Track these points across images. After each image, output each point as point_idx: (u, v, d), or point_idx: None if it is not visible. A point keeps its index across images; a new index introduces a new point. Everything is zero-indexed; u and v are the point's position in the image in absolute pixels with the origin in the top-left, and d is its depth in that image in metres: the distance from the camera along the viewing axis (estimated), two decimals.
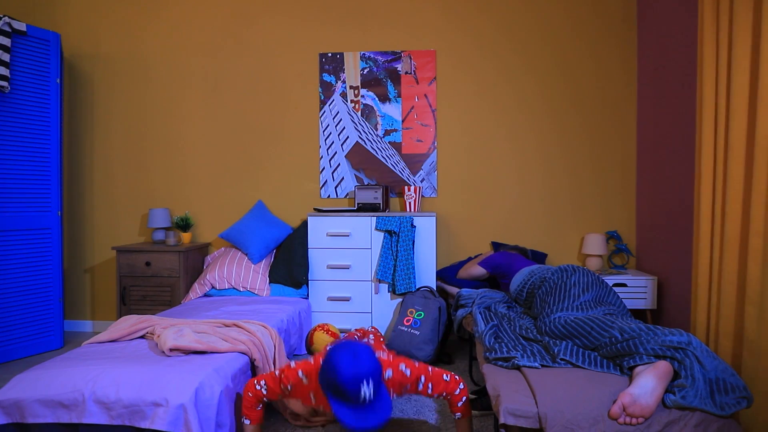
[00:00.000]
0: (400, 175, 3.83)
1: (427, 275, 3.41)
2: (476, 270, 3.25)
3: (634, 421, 1.57)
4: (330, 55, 3.86)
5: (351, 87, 3.85)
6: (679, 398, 1.62)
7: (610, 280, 3.29)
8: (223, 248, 3.82)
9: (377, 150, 3.84)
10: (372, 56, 3.83)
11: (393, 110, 3.83)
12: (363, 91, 3.84)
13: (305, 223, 3.65)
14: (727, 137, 2.17)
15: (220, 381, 1.98)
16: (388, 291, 3.42)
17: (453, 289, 3.41)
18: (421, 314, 3.16)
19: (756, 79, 2.04)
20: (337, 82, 3.86)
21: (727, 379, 1.67)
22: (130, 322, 2.47)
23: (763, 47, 1.95)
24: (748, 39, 2.07)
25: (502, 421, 1.65)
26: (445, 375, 1.89)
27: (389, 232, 3.39)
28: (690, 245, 2.94)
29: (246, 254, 3.63)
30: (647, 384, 1.62)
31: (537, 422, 1.63)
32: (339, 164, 3.87)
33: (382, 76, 3.83)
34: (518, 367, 1.97)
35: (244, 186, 3.95)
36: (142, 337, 2.42)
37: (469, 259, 3.59)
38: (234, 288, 3.49)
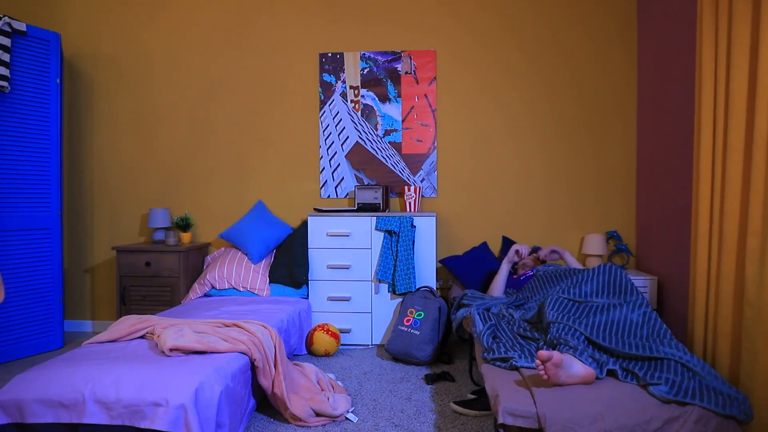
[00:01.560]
0: (400, 175, 3.83)
1: (427, 275, 3.41)
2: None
3: (542, 374, 1.74)
4: (330, 55, 3.86)
5: (351, 87, 3.85)
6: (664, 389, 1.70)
7: None
8: (223, 248, 3.82)
9: (377, 150, 3.84)
10: (372, 56, 3.83)
11: (393, 110, 3.83)
12: (363, 91, 3.84)
13: (305, 223, 3.65)
14: (726, 137, 2.17)
15: (220, 381, 1.98)
16: (388, 291, 3.42)
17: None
18: (421, 314, 3.17)
19: (755, 79, 2.04)
20: (337, 82, 3.86)
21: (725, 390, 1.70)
22: (130, 322, 2.47)
23: (762, 48, 1.95)
24: (746, 39, 2.07)
25: (500, 421, 1.65)
26: None
27: (389, 232, 3.39)
28: (690, 245, 2.94)
29: (246, 254, 3.63)
30: (577, 369, 1.79)
31: (536, 422, 1.63)
32: (339, 164, 3.87)
33: (382, 76, 3.83)
34: (517, 368, 1.97)
35: (244, 186, 3.95)
36: (142, 337, 2.42)
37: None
38: (234, 288, 3.50)
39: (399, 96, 3.82)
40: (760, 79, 1.96)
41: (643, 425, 1.59)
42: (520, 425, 1.65)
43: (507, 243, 3.71)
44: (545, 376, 1.74)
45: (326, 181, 3.89)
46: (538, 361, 1.74)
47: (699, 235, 2.32)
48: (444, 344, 3.24)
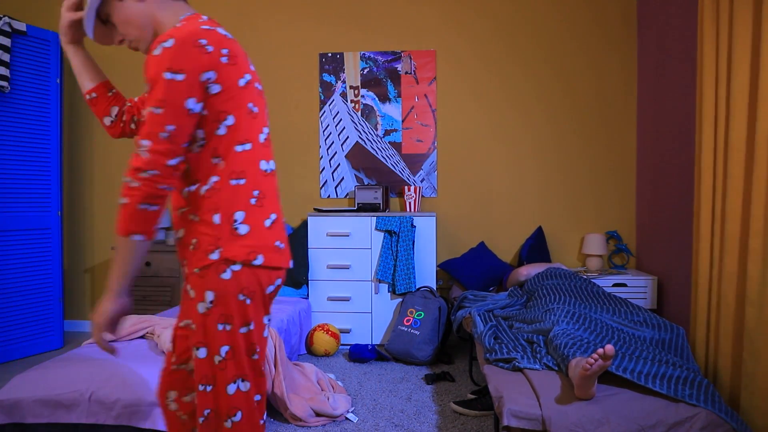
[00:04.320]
0: (400, 175, 3.83)
1: (427, 275, 3.41)
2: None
3: (592, 364, 1.57)
4: (330, 55, 3.86)
5: (351, 87, 3.85)
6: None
7: (610, 280, 3.29)
8: None
9: (377, 150, 3.84)
10: (372, 56, 3.83)
11: (393, 110, 3.83)
12: (363, 91, 3.84)
13: (305, 223, 3.65)
14: (727, 137, 2.17)
15: None
16: (388, 291, 3.42)
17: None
18: (421, 314, 3.16)
19: (756, 78, 2.03)
20: (337, 82, 3.86)
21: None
22: (130, 322, 2.47)
23: (764, 47, 1.95)
24: (748, 38, 2.07)
25: (505, 423, 1.64)
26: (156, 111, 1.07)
27: (389, 232, 3.39)
28: (690, 245, 2.93)
29: None
30: (595, 386, 1.69)
31: (540, 424, 1.62)
32: (339, 164, 3.87)
33: (382, 76, 3.83)
34: (520, 369, 1.97)
35: None
36: (142, 337, 2.41)
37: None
38: None
39: (399, 96, 3.82)
40: (762, 78, 1.96)
41: (649, 430, 1.58)
42: (524, 427, 1.64)
43: (541, 232, 3.67)
44: (590, 368, 1.56)
45: (326, 181, 3.89)
46: (601, 351, 1.56)
47: (701, 235, 2.32)
48: (444, 344, 3.24)
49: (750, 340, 1.97)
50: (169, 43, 1.08)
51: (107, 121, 1.38)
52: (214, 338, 1.14)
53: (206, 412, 1.15)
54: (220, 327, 1.14)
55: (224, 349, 1.14)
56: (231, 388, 1.15)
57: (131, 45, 1.25)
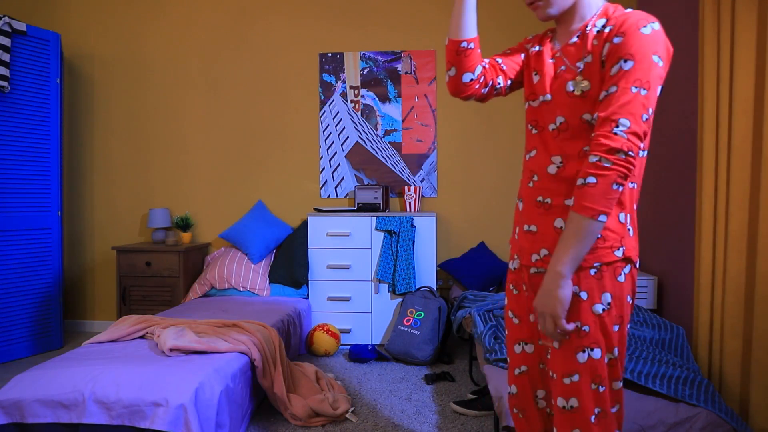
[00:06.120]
0: (400, 175, 3.83)
1: (427, 275, 3.41)
2: None
3: None
4: (330, 55, 3.86)
5: (351, 87, 3.85)
6: None
7: None
8: (223, 248, 3.82)
9: (377, 150, 3.84)
10: (372, 56, 3.83)
11: (393, 110, 3.83)
12: (363, 91, 3.84)
13: (305, 223, 3.65)
14: (730, 138, 2.16)
15: (220, 381, 1.98)
16: (388, 291, 3.42)
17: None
18: (421, 314, 3.16)
19: (762, 79, 2.02)
20: (337, 82, 3.86)
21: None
22: (130, 322, 2.47)
23: None
24: (752, 38, 2.06)
25: (505, 423, 1.64)
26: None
27: (389, 232, 3.39)
28: (690, 245, 2.93)
29: (246, 254, 3.63)
30: None
31: None
32: (339, 164, 3.87)
33: (382, 76, 3.83)
34: None
35: (244, 186, 3.95)
36: (142, 337, 2.42)
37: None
38: (234, 288, 3.49)
39: (399, 96, 3.82)
40: None
41: (649, 430, 1.58)
42: None
43: None
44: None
45: (326, 181, 3.89)
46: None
47: (702, 236, 2.31)
48: (444, 344, 3.24)
49: (759, 334, 1.95)
50: (657, 27, 1.08)
51: (467, 77, 1.32)
52: (610, 339, 1.17)
53: (597, 410, 1.17)
54: (615, 328, 1.17)
55: (616, 349, 1.18)
56: (616, 385, 1.20)
57: (544, 5, 1.22)
